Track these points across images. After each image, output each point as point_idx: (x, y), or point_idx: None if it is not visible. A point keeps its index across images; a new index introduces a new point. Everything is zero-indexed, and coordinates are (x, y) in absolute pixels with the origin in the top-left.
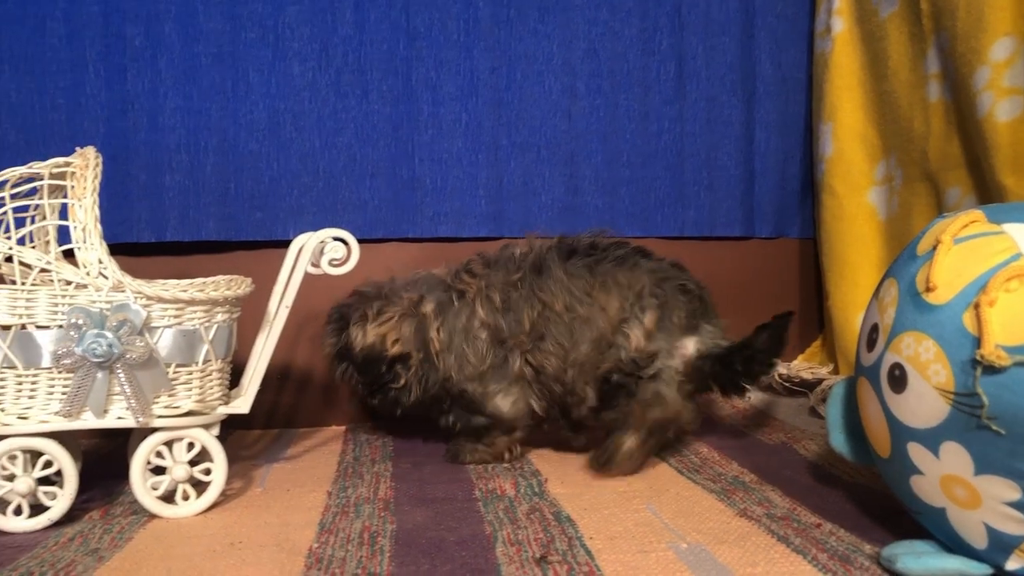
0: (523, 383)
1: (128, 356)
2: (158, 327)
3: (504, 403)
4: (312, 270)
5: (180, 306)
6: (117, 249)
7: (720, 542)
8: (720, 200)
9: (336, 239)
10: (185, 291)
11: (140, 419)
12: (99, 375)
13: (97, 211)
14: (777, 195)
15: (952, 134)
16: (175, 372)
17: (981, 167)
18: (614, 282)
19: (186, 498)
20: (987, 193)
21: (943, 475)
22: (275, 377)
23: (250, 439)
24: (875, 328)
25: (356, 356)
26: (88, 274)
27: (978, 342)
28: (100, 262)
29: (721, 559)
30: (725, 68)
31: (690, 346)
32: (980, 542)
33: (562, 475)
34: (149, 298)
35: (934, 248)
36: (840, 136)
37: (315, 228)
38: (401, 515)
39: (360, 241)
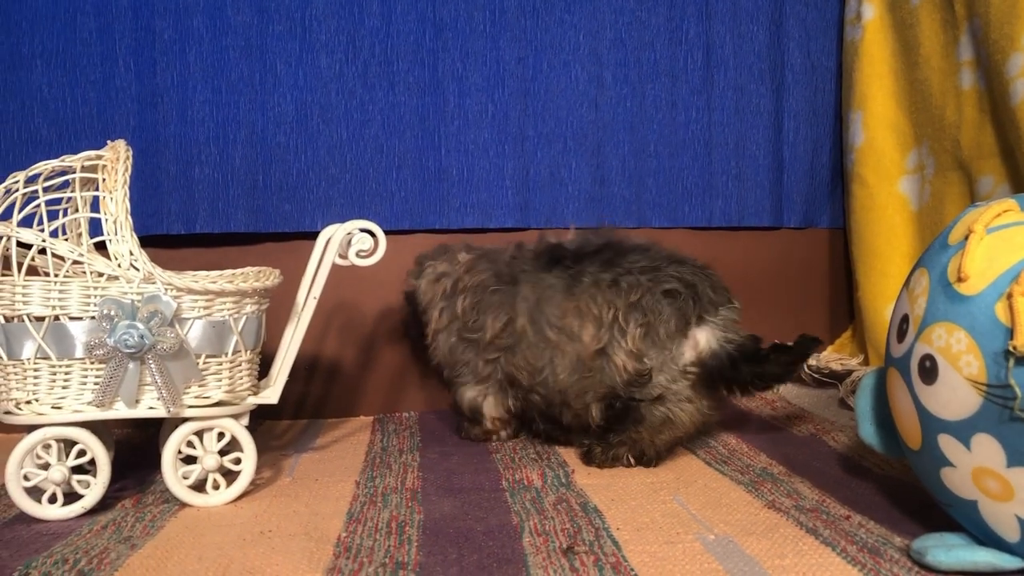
0: (492, 383)
1: (159, 347)
2: (188, 318)
3: (467, 395)
4: (340, 261)
5: (210, 297)
6: (148, 241)
7: (748, 534)
8: (749, 190)
9: (363, 231)
10: (215, 282)
11: (171, 409)
12: (130, 366)
13: (128, 204)
14: (806, 185)
15: (985, 122)
16: (205, 363)
17: (1015, 156)
18: (587, 308)
19: (216, 487)
20: (1021, 182)
21: (975, 467)
22: (303, 368)
23: (279, 429)
24: (905, 319)
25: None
26: (119, 266)
27: (1011, 333)
28: (131, 254)
29: (749, 551)
30: (753, 57)
31: (688, 351)
32: (1012, 535)
33: (588, 466)
34: (179, 289)
35: (966, 238)
36: (871, 125)
37: (343, 219)
38: (428, 505)
39: (387, 232)
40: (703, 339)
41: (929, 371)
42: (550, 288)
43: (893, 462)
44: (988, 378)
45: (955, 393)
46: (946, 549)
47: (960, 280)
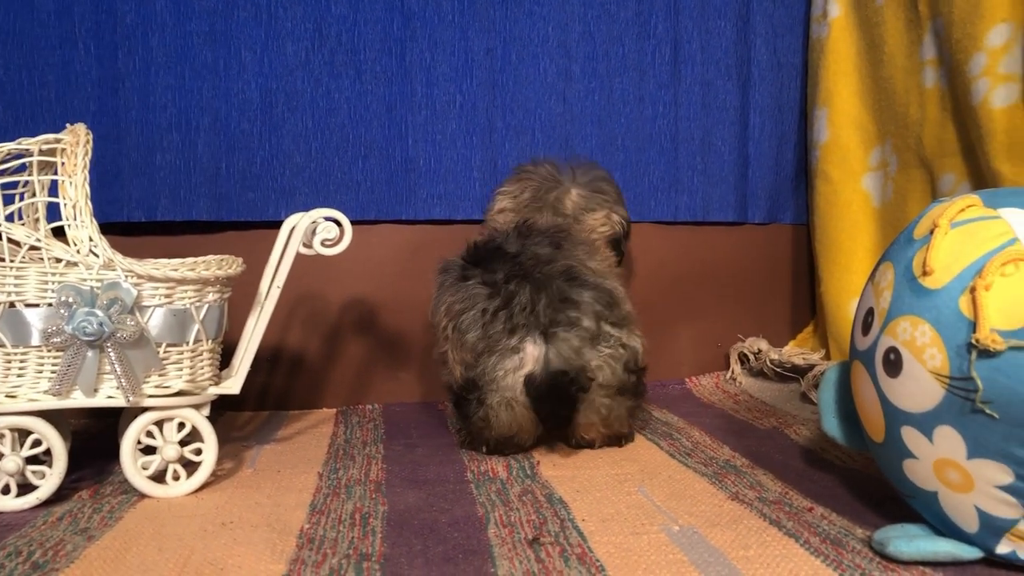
0: None
1: (119, 335)
2: (149, 306)
3: None
4: (304, 251)
5: (171, 285)
6: (108, 228)
7: (712, 525)
8: (714, 185)
9: (328, 219)
10: (176, 270)
11: (130, 398)
12: (89, 354)
13: (88, 188)
14: (771, 181)
15: (947, 121)
16: (166, 351)
17: (976, 154)
18: (444, 310)
19: (176, 478)
20: (982, 180)
21: (936, 459)
22: (266, 359)
23: (241, 421)
24: (871, 312)
25: None
26: (79, 252)
27: (974, 326)
28: (91, 240)
29: (714, 542)
30: (721, 53)
31: (520, 367)
32: (971, 526)
33: (554, 458)
34: (140, 277)
35: (931, 232)
36: (835, 122)
37: (307, 209)
38: (393, 496)
39: (353, 223)
40: (541, 356)
41: (894, 364)
42: (444, 289)
43: (855, 455)
44: (951, 371)
45: (919, 386)
46: (907, 540)
47: (925, 274)
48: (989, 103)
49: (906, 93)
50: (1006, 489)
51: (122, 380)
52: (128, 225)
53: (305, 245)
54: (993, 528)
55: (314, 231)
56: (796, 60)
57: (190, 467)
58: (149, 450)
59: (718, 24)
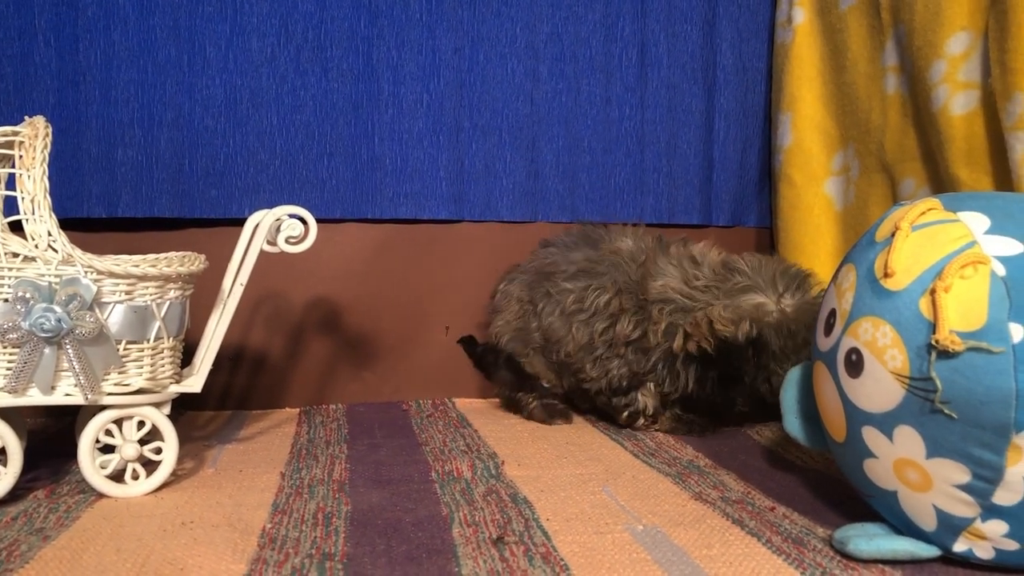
0: None
1: (77, 331)
2: (109, 302)
3: None
4: (268, 248)
5: (132, 281)
6: (67, 224)
7: (676, 524)
8: (679, 188)
9: (293, 216)
10: (137, 266)
11: (89, 396)
12: (46, 351)
13: (46, 182)
14: (735, 184)
15: (908, 126)
16: (126, 349)
17: (936, 159)
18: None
19: (136, 477)
20: (941, 185)
21: (896, 458)
22: (228, 358)
23: (202, 420)
24: (832, 313)
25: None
26: (36, 247)
27: (933, 327)
28: (49, 234)
29: (677, 541)
30: (687, 56)
31: None
32: (930, 524)
33: (519, 457)
34: (100, 272)
35: (892, 235)
36: (799, 126)
37: (271, 207)
38: (356, 496)
39: (318, 221)
40: None
41: (855, 364)
42: None
43: (816, 455)
44: (911, 371)
45: (879, 386)
46: (867, 538)
47: (886, 276)
48: (949, 110)
49: (868, 99)
50: (963, 488)
51: (80, 377)
52: (88, 221)
53: (269, 243)
54: (950, 527)
55: (278, 228)
56: (761, 65)
57: (150, 466)
58: (108, 449)
59: (684, 28)
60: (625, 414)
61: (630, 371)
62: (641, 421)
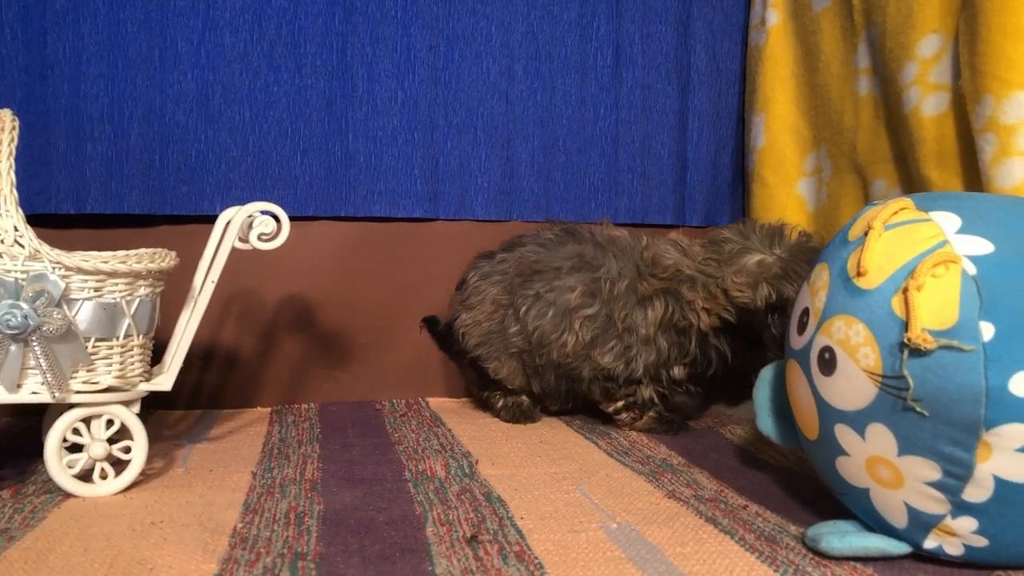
0: None
1: (45, 328)
2: (77, 299)
3: None
4: (240, 245)
5: (101, 278)
6: (34, 220)
7: (649, 522)
8: (653, 188)
9: (266, 213)
10: (107, 262)
11: (56, 394)
12: (13, 348)
13: (13, 177)
14: (709, 184)
15: (880, 128)
16: (94, 346)
17: (907, 160)
18: None
19: (104, 477)
20: (912, 186)
21: (869, 456)
22: (199, 356)
23: (172, 419)
24: (806, 312)
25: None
26: (3, 242)
27: (906, 326)
28: (16, 229)
29: (651, 539)
30: (661, 57)
31: None
32: (901, 521)
33: (493, 456)
34: (68, 269)
35: (865, 234)
36: (772, 127)
37: (243, 203)
38: (329, 496)
39: (291, 219)
40: None
41: (828, 362)
42: None
43: (788, 454)
44: (884, 369)
45: (852, 384)
46: (839, 536)
47: (859, 275)
48: (920, 111)
49: (841, 100)
50: (934, 485)
51: (47, 375)
52: (56, 217)
53: (241, 239)
54: (921, 524)
55: (250, 225)
56: (735, 66)
57: (118, 466)
58: (75, 448)
59: (659, 28)
60: (621, 403)
61: (659, 359)
62: (630, 416)
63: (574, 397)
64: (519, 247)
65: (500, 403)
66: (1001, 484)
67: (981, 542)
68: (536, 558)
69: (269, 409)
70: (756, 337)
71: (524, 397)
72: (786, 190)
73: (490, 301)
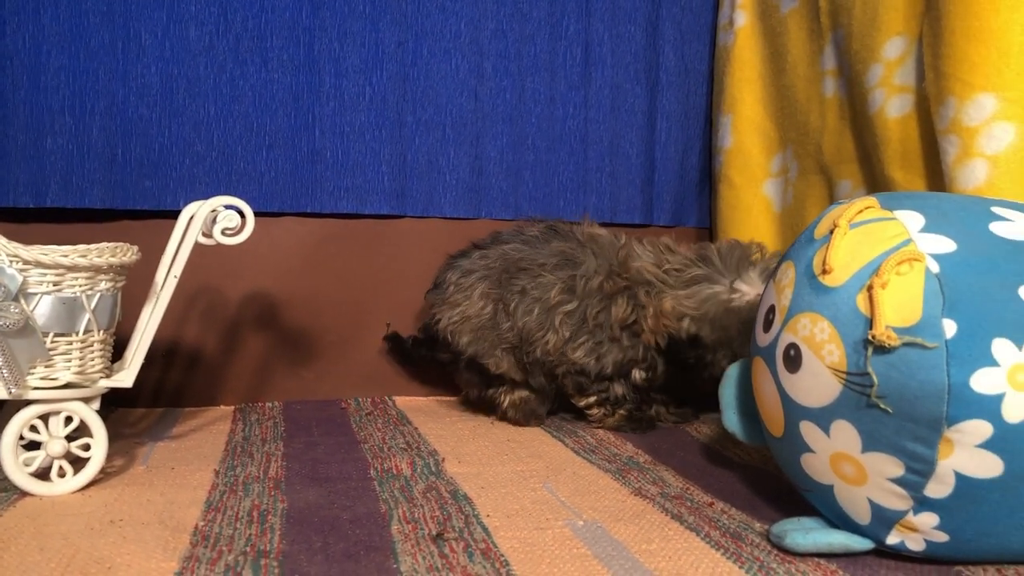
0: None
1: (1, 323)
2: (36, 293)
3: None
4: (204, 240)
5: (60, 272)
6: None
7: (616, 519)
8: (621, 187)
9: (230, 207)
10: (66, 256)
11: (13, 390)
12: None
13: None
14: (676, 184)
15: (845, 129)
16: (53, 341)
17: (872, 161)
18: None
19: (62, 475)
20: (876, 186)
21: (833, 453)
22: (161, 353)
23: (133, 417)
24: (772, 309)
25: None
26: None
27: (870, 323)
28: None
29: (617, 536)
30: (630, 57)
31: None
32: (864, 517)
33: (459, 455)
34: (26, 262)
35: (831, 232)
36: (739, 128)
37: (208, 198)
38: (292, 494)
39: (256, 215)
40: None
41: (793, 360)
42: None
43: (753, 452)
44: (848, 366)
45: (817, 381)
46: (803, 532)
47: (824, 272)
48: (885, 113)
49: (807, 101)
50: (897, 481)
51: (3, 371)
52: (15, 211)
53: (205, 234)
54: (884, 520)
55: (214, 220)
56: (703, 67)
57: (77, 464)
58: (33, 445)
59: (628, 29)
60: (593, 399)
61: (624, 358)
62: (601, 412)
63: (561, 396)
64: (500, 244)
65: (507, 401)
66: (962, 480)
67: (942, 537)
68: (502, 555)
69: (232, 407)
70: (682, 364)
71: (528, 392)
72: (752, 191)
73: (479, 295)
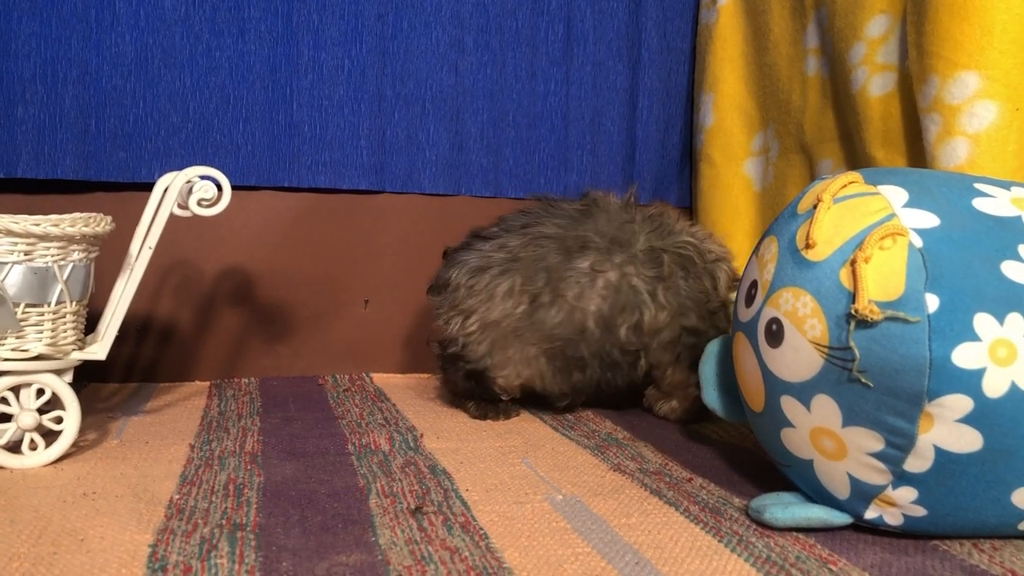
0: None
1: None
2: (6, 263)
3: None
4: (180, 212)
5: (32, 241)
6: None
7: (595, 494)
8: (602, 165)
9: (206, 178)
10: (38, 225)
11: None
12: None
13: None
14: (657, 163)
15: (827, 107)
16: (24, 312)
17: (853, 140)
18: None
19: (34, 448)
20: (858, 165)
21: (813, 427)
22: (135, 328)
23: (106, 392)
24: (754, 284)
25: None
26: None
27: (853, 297)
28: None
29: (596, 510)
30: (612, 33)
31: None
32: (843, 492)
33: (438, 430)
34: None
35: (815, 207)
36: (720, 107)
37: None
38: (269, 468)
39: (233, 188)
40: None
41: (775, 334)
42: None
43: (731, 429)
44: (830, 340)
45: (799, 355)
46: (782, 507)
47: (808, 247)
48: (867, 91)
49: (789, 80)
50: (876, 456)
51: None
52: None
53: (180, 206)
54: (862, 494)
55: (190, 191)
56: (685, 45)
57: (49, 437)
58: (3, 418)
59: (610, 4)
60: (667, 382)
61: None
62: (669, 407)
63: (600, 391)
64: (523, 229)
65: (500, 416)
66: (941, 454)
67: (920, 512)
68: (481, 528)
69: (208, 383)
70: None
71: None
72: (733, 169)
73: (503, 293)
